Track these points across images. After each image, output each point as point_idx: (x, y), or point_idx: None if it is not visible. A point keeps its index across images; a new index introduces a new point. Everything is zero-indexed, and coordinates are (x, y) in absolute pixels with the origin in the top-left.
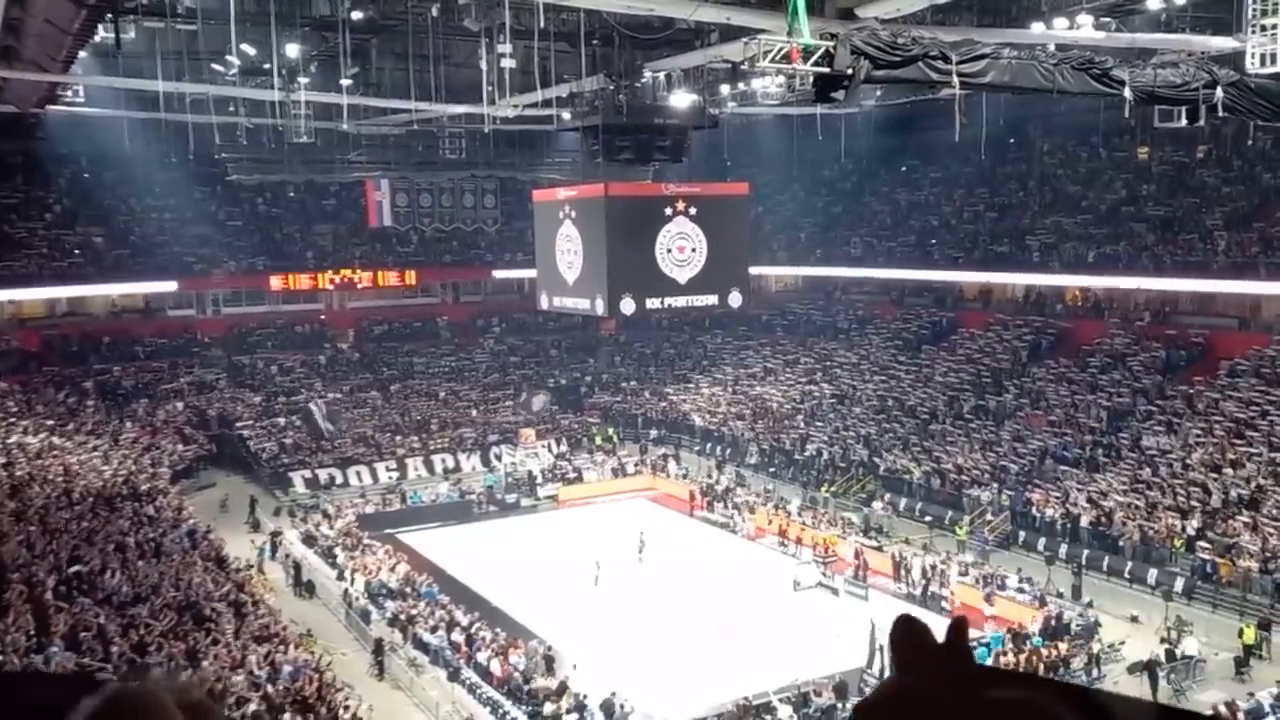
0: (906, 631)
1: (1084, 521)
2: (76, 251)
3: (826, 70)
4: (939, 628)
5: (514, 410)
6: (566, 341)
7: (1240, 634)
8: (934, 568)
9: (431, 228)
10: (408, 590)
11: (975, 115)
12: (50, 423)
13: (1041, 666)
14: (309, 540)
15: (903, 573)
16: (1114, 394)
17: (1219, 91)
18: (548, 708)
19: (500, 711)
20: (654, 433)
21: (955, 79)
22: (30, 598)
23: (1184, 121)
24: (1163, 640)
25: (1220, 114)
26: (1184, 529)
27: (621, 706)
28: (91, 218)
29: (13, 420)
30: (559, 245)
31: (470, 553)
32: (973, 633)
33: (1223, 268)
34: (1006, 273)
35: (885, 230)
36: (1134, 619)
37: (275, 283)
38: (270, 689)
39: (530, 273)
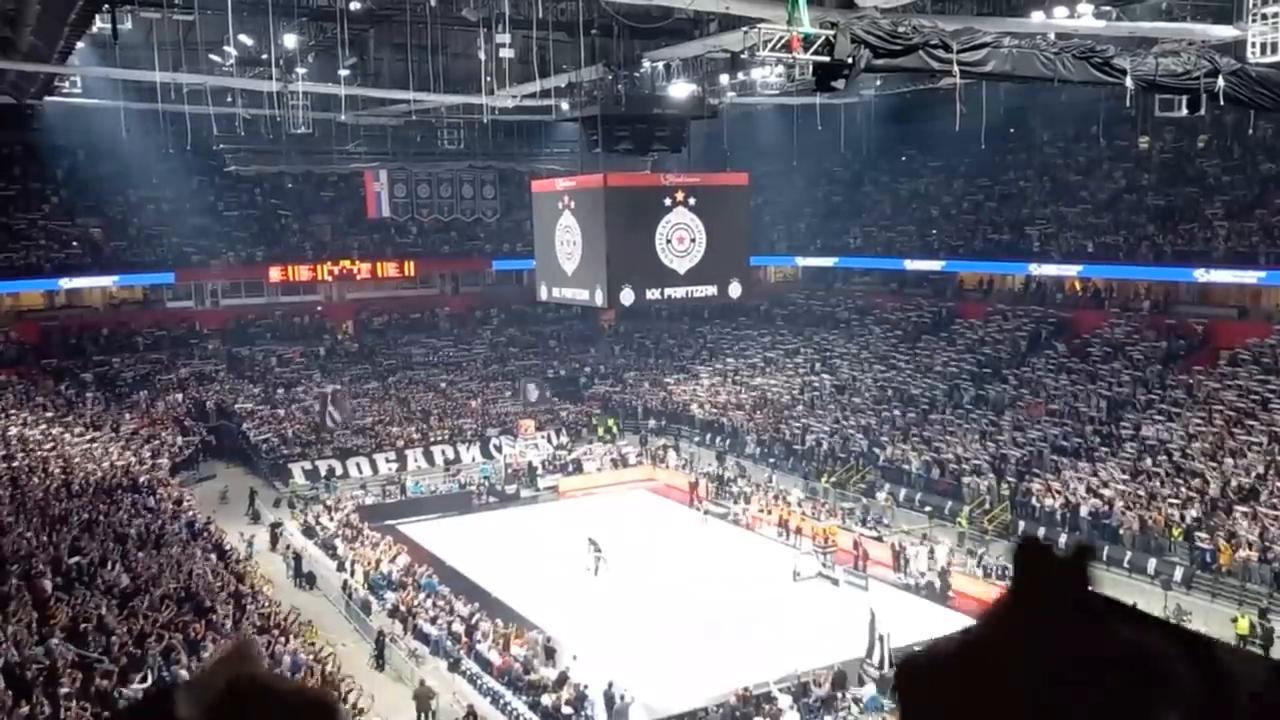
0: (1031, 550)
1: (1083, 511)
2: (74, 243)
3: (827, 59)
4: (944, 620)
5: (513, 401)
6: (566, 332)
7: (1234, 622)
8: (942, 567)
9: (430, 219)
10: (408, 581)
11: (975, 105)
12: (49, 414)
13: None
14: (309, 532)
15: (902, 563)
16: (1114, 383)
17: (1220, 80)
18: (547, 698)
19: (500, 702)
20: (653, 423)
21: (956, 68)
22: (30, 589)
23: (1185, 110)
24: None
25: (1221, 103)
26: (1183, 518)
27: (621, 697)
28: (89, 209)
29: (12, 412)
30: (558, 236)
31: (470, 544)
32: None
33: (1223, 257)
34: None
35: (885, 220)
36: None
37: (274, 274)
38: None
39: (530, 263)
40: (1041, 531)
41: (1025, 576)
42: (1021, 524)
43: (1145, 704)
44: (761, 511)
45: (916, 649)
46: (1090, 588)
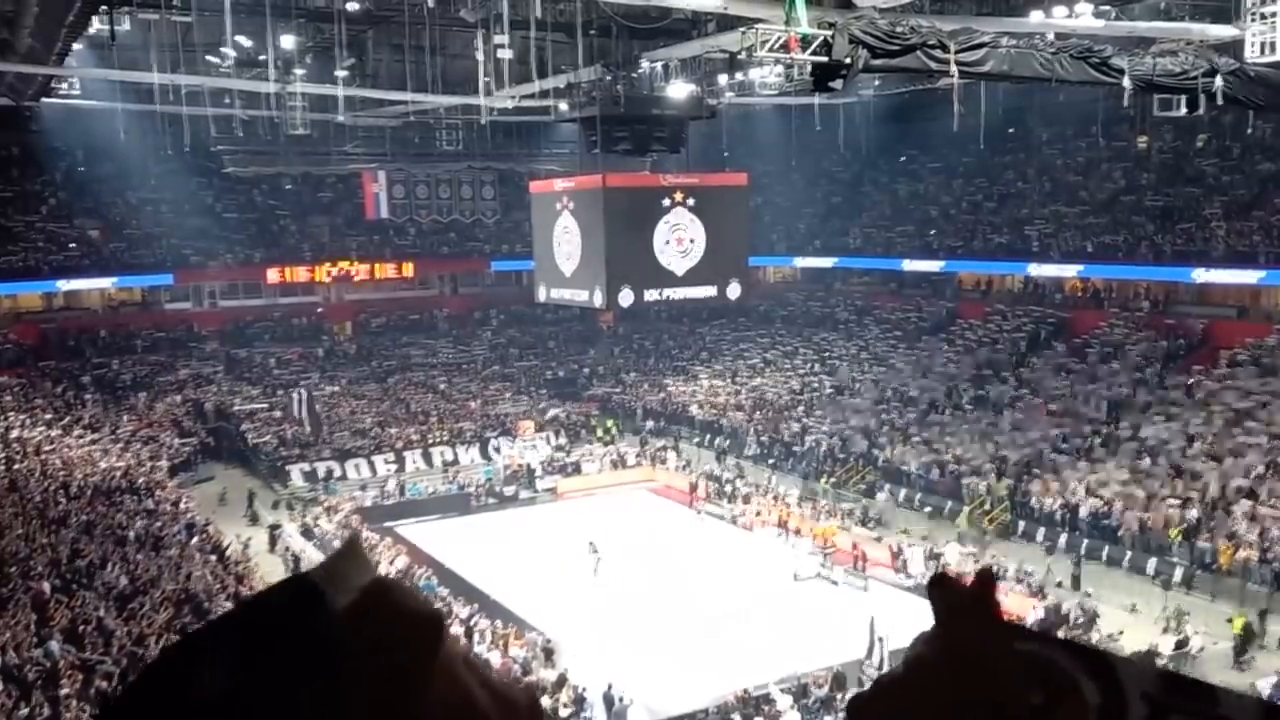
0: (941, 586)
1: (1083, 512)
2: (73, 245)
3: (825, 59)
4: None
5: (514, 403)
6: (565, 333)
7: (1230, 622)
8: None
9: (429, 220)
10: (406, 583)
11: (974, 105)
12: (48, 416)
13: None
14: (307, 533)
15: (900, 563)
16: (1113, 384)
17: (1218, 80)
18: (547, 700)
19: None
20: (652, 424)
21: (954, 68)
22: (29, 591)
23: (1183, 110)
24: (1165, 630)
25: (1219, 103)
26: (1183, 519)
27: (621, 698)
28: (87, 211)
29: (11, 414)
30: (557, 237)
31: (469, 545)
32: None
33: (1222, 256)
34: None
35: (884, 220)
36: (1133, 608)
37: (272, 275)
38: None
39: (528, 264)
40: (1041, 532)
41: (941, 607)
42: (1021, 524)
43: (1056, 709)
44: (760, 512)
45: (861, 690)
46: (995, 611)
